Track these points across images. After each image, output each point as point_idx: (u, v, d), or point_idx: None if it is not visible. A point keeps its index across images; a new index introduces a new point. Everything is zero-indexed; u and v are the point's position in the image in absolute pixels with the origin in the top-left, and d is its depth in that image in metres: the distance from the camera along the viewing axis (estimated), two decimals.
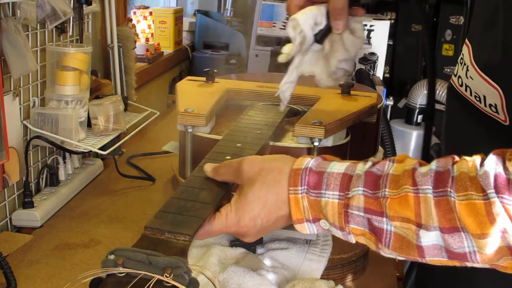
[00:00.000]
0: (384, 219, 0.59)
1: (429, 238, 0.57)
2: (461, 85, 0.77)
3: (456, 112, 0.71)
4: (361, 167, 0.62)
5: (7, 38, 1.00)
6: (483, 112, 0.73)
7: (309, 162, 0.65)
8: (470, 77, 0.74)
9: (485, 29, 0.72)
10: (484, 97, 0.72)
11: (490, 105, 0.71)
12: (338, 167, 0.63)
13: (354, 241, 0.64)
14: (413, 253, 0.59)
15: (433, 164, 0.58)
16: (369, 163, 0.62)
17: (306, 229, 0.65)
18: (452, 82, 0.80)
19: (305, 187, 0.63)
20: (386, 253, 0.61)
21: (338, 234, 0.64)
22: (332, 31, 0.79)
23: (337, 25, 0.77)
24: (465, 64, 0.76)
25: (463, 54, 0.77)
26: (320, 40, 0.80)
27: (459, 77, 0.78)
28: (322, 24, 0.79)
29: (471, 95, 0.75)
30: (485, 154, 0.56)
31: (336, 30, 0.78)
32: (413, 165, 0.59)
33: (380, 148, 1.26)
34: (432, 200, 0.56)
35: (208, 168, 0.72)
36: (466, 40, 0.77)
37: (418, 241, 0.58)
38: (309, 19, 0.79)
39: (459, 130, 0.82)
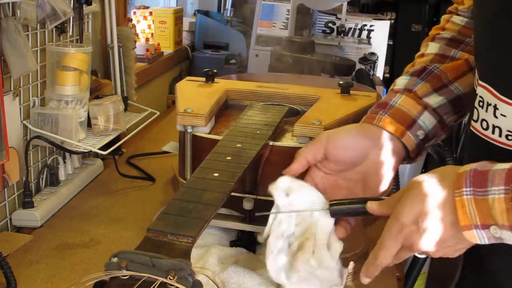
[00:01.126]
0: None
1: None
2: (486, 128, 0.72)
3: (482, 158, 0.66)
4: None
5: (7, 38, 1.00)
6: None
7: (473, 165, 0.62)
8: (502, 115, 0.69)
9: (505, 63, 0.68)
10: None
11: None
12: (505, 165, 0.60)
13: None
14: None
15: None
16: None
17: (475, 237, 0.60)
18: (472, 129, 0.75)
19: (471, 188, 0.60)
20: None
21: (510, 238, 0.59)
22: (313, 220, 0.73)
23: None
24: (489, 104, 0.71)
25: (481, 97, 0.72)
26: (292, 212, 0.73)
27: (483, 120, 0.73)
28: (290, 195, 0.72)
29: (500, 136, 0.70)
30: None
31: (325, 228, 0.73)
32: None
33: None
34: None
35: (375, 206, 0.70)
36: (480, 82, 0.72)
37: None
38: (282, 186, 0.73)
39: None
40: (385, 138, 0.78)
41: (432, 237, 0.63)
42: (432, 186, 0.63)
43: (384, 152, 0.77)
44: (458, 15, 0.89)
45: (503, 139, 0.70)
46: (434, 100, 0.81)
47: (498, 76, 0.70)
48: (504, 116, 0.69)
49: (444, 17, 0.91)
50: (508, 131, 0.69)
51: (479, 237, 0.60)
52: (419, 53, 0.89)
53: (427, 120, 0.80)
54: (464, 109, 0.84)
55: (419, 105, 0.80)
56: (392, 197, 0.68)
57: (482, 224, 0.60)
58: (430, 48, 0.87)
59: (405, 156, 0.80)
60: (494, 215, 0.59)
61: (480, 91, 0.72)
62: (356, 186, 0.78)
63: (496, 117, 0.70)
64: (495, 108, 0.70)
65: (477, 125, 0.74)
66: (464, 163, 0.66)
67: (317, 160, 0.78)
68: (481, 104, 0.72)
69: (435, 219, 0.62)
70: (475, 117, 0.74)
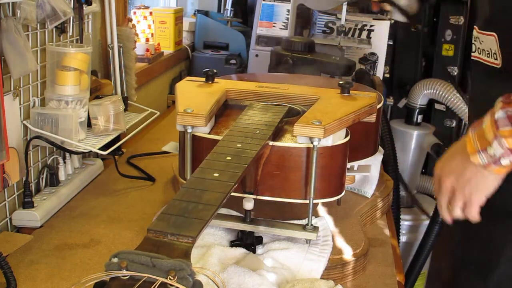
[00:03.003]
0: None
1: None
2: (474, 51, 1.00)
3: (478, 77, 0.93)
4: None
5: (7, 38, 1.00)
6: (487, 65, 0.95)
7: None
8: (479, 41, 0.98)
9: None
10: (490, 49, 0.94)
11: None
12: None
13: (506, 146, 0.80)
14: None
15: None
16: None
17: (478, 158, 0.84)
18: (473, 57, 1.01)
19: (473, 129, 0.85)
20: None
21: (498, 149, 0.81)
22: None
23: None
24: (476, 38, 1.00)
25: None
26: None
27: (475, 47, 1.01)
28: None
29: (480, 54, 0.99)
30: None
31: None
32: None
33: (380, 148, 1.26)
34: None
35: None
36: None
37: None
38: None
39: (481, 92, 1.04)
40: None
41: (446, 162, 0.91)
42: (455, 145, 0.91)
43: None
44: None
45: (483, 56, 1.00)
46: None
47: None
48: (482, 42, 0.99)
49: None
50: (482, 49, 1.00)
51: (481, 157, 0.84)
52: None
53: None
54: None
55: None
56: None
57: (482, 149, 0.83)
58: None
59: None
60: (486, 136, 0.81)
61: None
62: None
63: (480, 42, 1.00)
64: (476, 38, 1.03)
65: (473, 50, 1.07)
66: None
67: None
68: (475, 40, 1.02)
69: (452, 152, 0.90)
70: (473, 49, 1.03)
